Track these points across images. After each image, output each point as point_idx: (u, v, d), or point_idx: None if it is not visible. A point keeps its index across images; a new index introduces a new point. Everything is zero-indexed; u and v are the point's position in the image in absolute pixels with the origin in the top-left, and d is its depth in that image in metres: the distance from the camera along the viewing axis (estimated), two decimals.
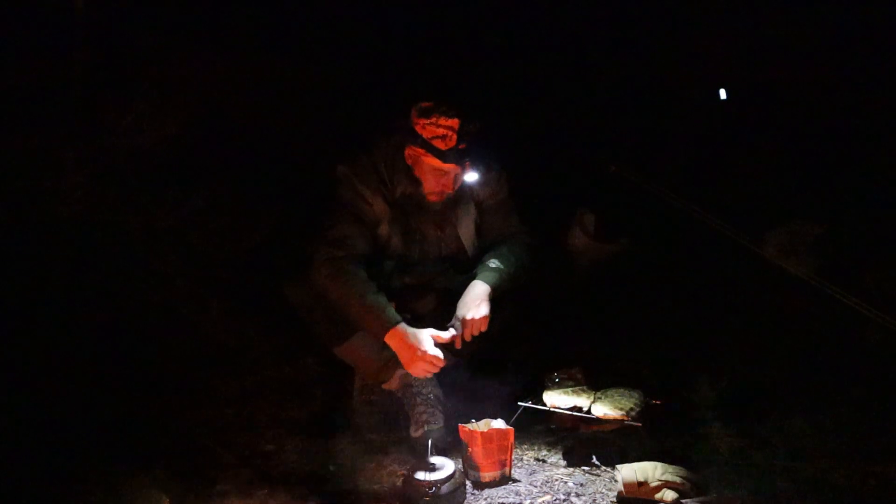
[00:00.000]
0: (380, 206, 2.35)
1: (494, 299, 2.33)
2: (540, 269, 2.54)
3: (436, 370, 2.22)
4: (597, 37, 3.65)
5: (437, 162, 2.25)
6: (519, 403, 2.26)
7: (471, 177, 2.33)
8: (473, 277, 2.35)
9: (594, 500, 1.97)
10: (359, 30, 3.43)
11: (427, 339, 2.21)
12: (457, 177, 2.34)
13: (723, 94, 3.54)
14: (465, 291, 2.32)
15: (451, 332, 2.27)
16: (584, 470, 2.13)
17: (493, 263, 2.36)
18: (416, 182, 2.34)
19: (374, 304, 2.22)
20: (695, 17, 3.54)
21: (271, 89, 3.23)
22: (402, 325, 2.21)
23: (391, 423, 2.41)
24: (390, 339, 2.21)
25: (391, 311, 2.23)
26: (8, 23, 2.55)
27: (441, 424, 2.28)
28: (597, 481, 2.07)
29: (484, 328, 2.28)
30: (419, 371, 2.21)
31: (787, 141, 3.32)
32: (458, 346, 2.28)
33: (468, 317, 2.27)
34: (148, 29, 2.84)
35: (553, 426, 2.37)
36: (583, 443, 2.26)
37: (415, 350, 2.19)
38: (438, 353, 2.21)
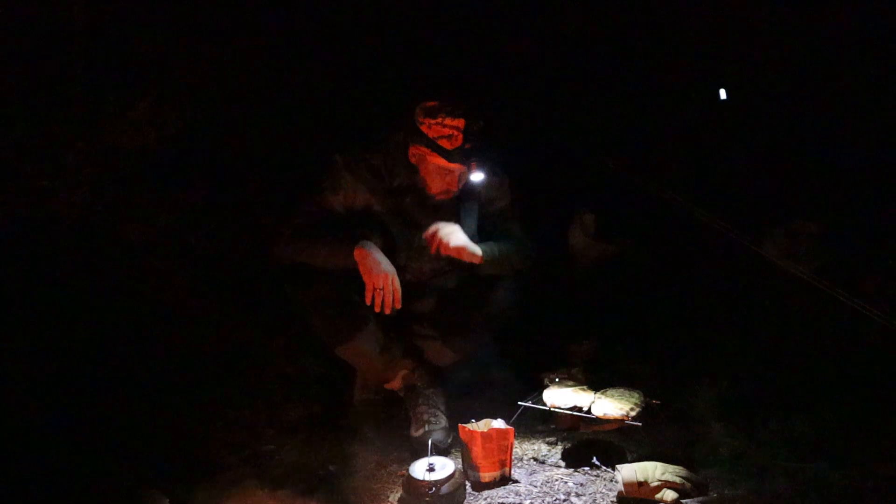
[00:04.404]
0: (364, 197, 2.35)
1: (489, 284, 2.39)
2: (537, 274, 2.54)
3: (389, 288, 2.22)
4: (597, 36, 3.65)
5: (442, 161, 2.26)
6: (519, 403, 2.26)
7: (476, 176, 2.34)
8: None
9: (594, 500, 1.97)
10: (361, 29, 3.43)
11: (387, 261, 2.25)
12: (461, 176, 2.35)
13: (723, 94, 3.54)
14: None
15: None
16: (584, 470, 2.13)
17: (488, 244, 2.40)
18: (417, 178, 2.35)
19: (337, 234, 2.28)
20: (695, 17, 3.54)
21: (272, 89, 3.23)
22: (366, 242, 2.25)
23: (391, 423, 2.41)
24: (357, 255, 2.23)
25: (356, 234, 2.28)
26: (8, 22, 2.55)
27: (442, 424, 2.29)
28: (597, 481, 2.07)
29: (450, 251, 2.27)
30: (377, 281, 2.21)
31: (787, 141, 3.32)
32: (433, 250, 2.28)
33: (441, 231, 2.28)
34: (148, 29, 2.84)
35: (553, 426, 2.38)
36: (583, 443, 2.27)
37: (378, 263, 2.22)
38: (394, 272, 2.24)
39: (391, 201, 2.36)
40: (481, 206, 2.47)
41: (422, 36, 3.45)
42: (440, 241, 2.27)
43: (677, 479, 1.92)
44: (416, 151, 2.31)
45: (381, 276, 2.21)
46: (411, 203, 2.38)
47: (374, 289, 2.21)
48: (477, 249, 2.31)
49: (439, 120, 2.23)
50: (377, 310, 2.24)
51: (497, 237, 2.46)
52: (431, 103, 2.26)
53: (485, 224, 2.48)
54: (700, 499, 1.92)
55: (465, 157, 2.26)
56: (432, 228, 2.29)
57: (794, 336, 2.68)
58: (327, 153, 2.40)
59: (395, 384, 2.38)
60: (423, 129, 2.25)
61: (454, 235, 2.28)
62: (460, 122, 2.23)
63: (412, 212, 2.39)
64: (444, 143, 2.24)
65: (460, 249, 2.27)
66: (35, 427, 2.20)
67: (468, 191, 2.42)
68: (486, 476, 2.07)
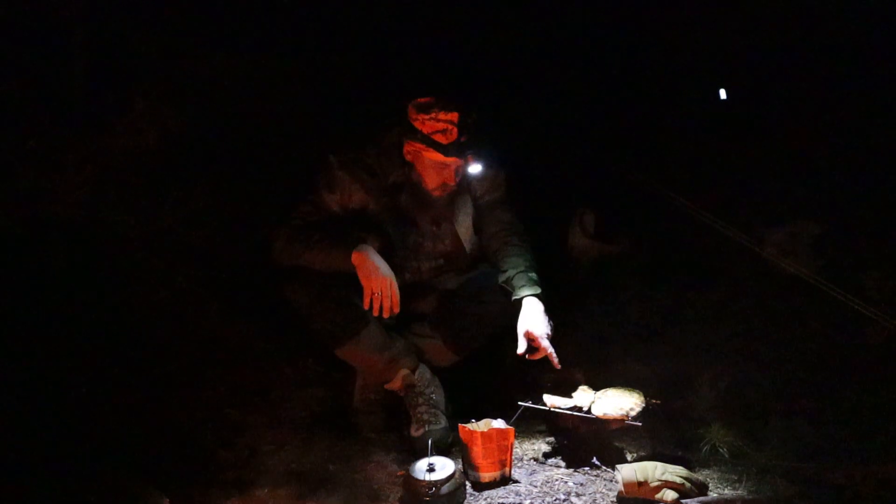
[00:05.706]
0: (359, 196, 2.34)
1: (488, 284, 2.41)
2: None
3: (388, 292, 2.21)
4: (597, 36, 3.66)
5: (438, 156, 2.26)
6: (519, 403, 2.26)
7: (474, 168, 2.34)
8: (507, 283, 2.36)
9: (594, 500, 1.97)
10: (358, 29, 3.43)
11: (385, 265, 2.24)
12: (458, 169, 2.35)
13: (723, 94, 3.55)
14: (525, 314, 2.30)
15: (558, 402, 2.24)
16: (584, 470, 2.13)
17: (532, 274, 2.37)
18: (412, 174, 2.35)
19: (336, 238, 2.28)
20: (695, 17, 3.54)
21: (271, 88, 3.23)
22: (364, 246, 2.24)
23: (391, 423, 2.41)
24: (355, 259, 2.22)
25: (353, 237, 2.27)
26: (9, 23, 2.55)
27: (442, 424, 2.29)
28: (597, 481, 2.07)
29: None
30: (375, 286, 2.21)
31: (787, 140, 3.32)
32: (558, 365, 2.28)
33: (547, 336, 2.28)
34: (148, 29, 2.85)
35: (553, 426, 2.38)
36: (583, 443, 2.27)
37: (376, 267, 2.21)
38: (393, 277, 2.23)
39: (387, 199, 2.36)
40: (475, 200, 2.48)
41: (417, 33, 3.45)
42: (551, 354, 2.27)
43: (677, 479, 1.91)
44: (410, 148, 2.31)
45: (379, 280, 2.20)
46: (407, 200, 2.38)
47: (373, 293, 2.21)
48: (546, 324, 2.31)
49: (433, 115, 2.23)
50: (375, 314, 2.24)
51: (491, 227, 2.47)
52: (424, 99, 2.25)
53: (481, 217, 2.49)
54: (700, 499, 1.92)
55: (461, 150, 2.26)
56: (540, 344, 2.28)
57: (794, 335, 2.68)
58: (322, 153, 2.39)
59: (395, 384, 2.38)
60: (417, 125, 2.25)
61: (549, 328, 2.30)
62: (454, 116, 2.22)
63: (408, 209, 2.39)
64: (440, 138, 2.24)
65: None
66: (35, 427, 2.20)
67: (462, 188, 2.42)
68: (486, 476, 2.06)
